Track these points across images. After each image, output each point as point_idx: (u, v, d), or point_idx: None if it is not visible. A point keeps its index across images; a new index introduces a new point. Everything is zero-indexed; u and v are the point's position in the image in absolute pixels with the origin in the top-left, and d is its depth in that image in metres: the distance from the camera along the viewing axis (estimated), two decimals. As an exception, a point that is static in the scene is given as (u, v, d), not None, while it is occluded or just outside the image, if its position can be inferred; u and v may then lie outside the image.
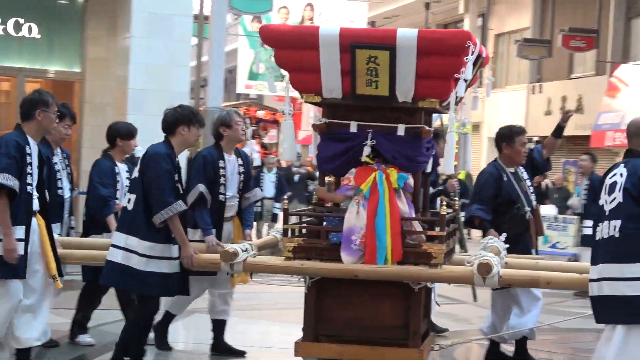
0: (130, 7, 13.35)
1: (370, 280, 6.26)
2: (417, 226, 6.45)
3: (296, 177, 19.32)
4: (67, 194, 7.70)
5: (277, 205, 17.23)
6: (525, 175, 7.89)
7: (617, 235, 5.57)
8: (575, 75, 26.45)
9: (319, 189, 6.59)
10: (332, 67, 6.27)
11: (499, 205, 7.66)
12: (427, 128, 6.48)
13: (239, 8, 24.98)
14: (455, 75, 6.23)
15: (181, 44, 13.62)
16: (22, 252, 6.12)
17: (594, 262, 5.81)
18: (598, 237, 5.77)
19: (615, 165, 5.94)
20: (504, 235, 7.21)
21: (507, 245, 6.98)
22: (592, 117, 23.84)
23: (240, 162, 7.66)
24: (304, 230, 6.60)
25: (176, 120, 6.58)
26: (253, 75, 30.11)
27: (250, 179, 7.86)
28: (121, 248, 6.44)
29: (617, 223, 5.59)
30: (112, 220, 7.62)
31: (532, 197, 7.86)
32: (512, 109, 28.11)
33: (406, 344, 6.35)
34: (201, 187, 7.28)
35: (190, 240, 7.40)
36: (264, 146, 29.94)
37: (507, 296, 7.70)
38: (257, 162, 17.53)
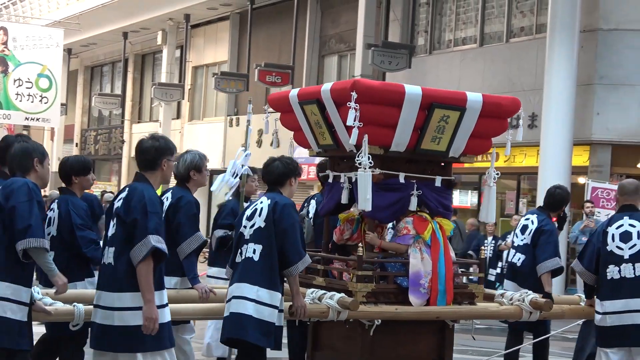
0: None
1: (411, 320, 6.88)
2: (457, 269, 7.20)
3: None
4: None
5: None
6: None
7: None
8: (272, 110, 27.71)
9: (372, 236, 6.99)
10: (408, 123, 6.73)
11: None
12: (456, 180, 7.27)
13: None
14: (502, 135, 7.08)
15: None
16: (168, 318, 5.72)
17: (614, 297, 6.97)
18: (612, 276, 7.00)
19: (617, 217, 7.15)
20: None
21: None
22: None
23: None
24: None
25: (288, 171, 6.57)
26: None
27: None
28: (250, 300, 6.24)
29: None
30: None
31: None
32: (210, 140, 28.78)
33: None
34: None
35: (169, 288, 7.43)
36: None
37: None
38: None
